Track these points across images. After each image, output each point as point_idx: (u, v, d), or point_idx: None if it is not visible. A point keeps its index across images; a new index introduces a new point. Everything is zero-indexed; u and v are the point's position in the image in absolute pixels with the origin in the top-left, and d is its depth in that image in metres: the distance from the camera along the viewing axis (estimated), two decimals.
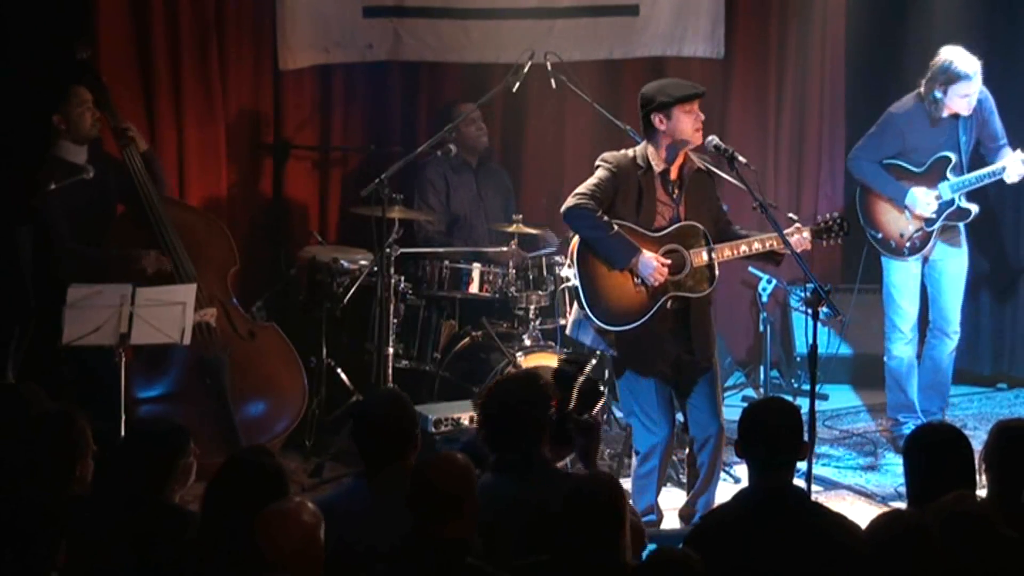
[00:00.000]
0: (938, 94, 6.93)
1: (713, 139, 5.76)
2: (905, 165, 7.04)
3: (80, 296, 5.72)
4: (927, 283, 7.20)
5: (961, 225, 7.11)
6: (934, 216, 7.00)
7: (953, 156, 6.98)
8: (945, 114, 6.97)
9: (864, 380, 8.17)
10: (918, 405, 7.23)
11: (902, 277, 7.14)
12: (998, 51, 7.91)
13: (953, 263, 7.15)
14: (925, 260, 7.13)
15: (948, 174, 6.98)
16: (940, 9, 8.18)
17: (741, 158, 5.71)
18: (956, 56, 6.90)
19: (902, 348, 7.20)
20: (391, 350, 6.88)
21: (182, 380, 6.54)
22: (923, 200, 6.97)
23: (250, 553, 3.71)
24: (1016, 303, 8.32)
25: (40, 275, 6.43)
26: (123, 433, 5.50)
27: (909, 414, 7.19)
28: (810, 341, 5.46)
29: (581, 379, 4.78)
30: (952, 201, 6.99)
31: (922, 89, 7.02)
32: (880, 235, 7.12)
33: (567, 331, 6.09)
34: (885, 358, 7.27)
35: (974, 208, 7.03)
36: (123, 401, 5.78)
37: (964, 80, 6.87)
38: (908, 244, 7.06)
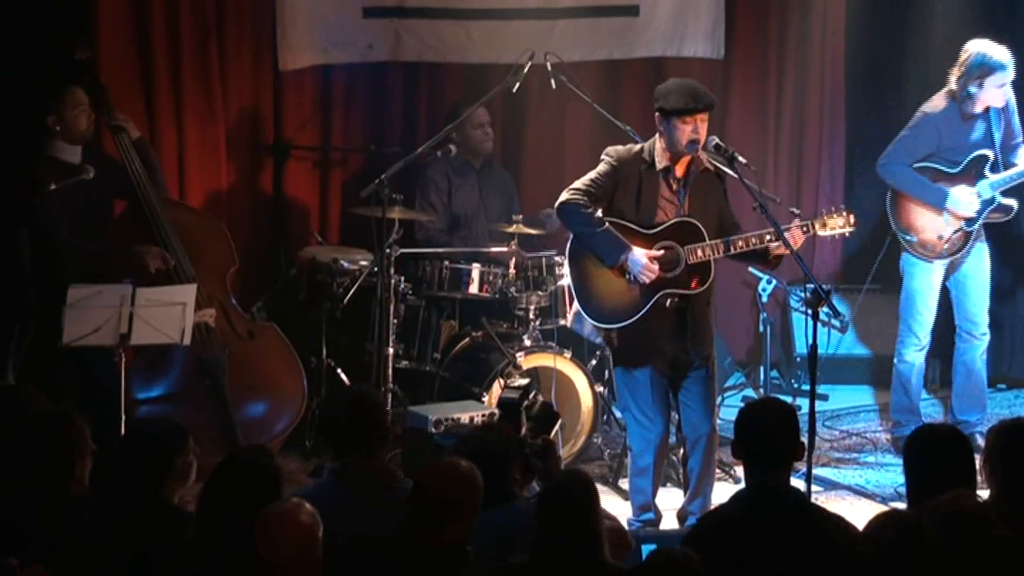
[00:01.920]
0: (973, 89, 6.83)
1: (713, 139, 5.75)
2: (940, 167, 6.94)
3: (80, 296, 5.72)
4: (951, 287, 7.11)
5: (979, 226, 7.04)
6: (975, 215, 6.93)
7: (989, 154, 6.89)
8: (978, 109, 6.87)
9: (862, 380, 8.18)
10: (957, 412, 7.19)
11: (925, 282, 7.04)
12: None
13: (976, 264, 7.06)
14: (952, 265, 7.05)
15: (987, 172, 6.90)
16: (940, 9, 8.17)
17: (741, 158, 5.71)
18: (988, 48, 6.82)
19: (914, 354, 7.14)
20: (391, 350, 6.89)
21: (182, 381, 6.54)
22: (965, 200, 6.88)
23: (247, 553, 3.71)
24: (1016, 303, 8.31)
25: (40, 275, 6.43)
26: (122, 433, 5.49)
27: (910, 416, 7.16)
28: (812, 342, 5.45)
29: (528, 405, 4.84)
30: (992, 199, 6.90)
31: (954, 86, 6.90)
32: (916, 239, 6.99)
33: (568, 323, 6.12)
34: (895, 360, 7.22)
35: (1014, 203, 6.94)
36: (123, 401, 5.78)
37: (1000, 71, 6.78)
38: (947, 245, 6.95)
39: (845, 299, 8.09)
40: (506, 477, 4.44)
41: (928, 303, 7.08)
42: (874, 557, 3.67)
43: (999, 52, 6.82)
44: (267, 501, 3.81)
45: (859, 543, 3.81)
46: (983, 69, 6.81)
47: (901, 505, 5.08)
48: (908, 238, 7.03)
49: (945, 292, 7.15)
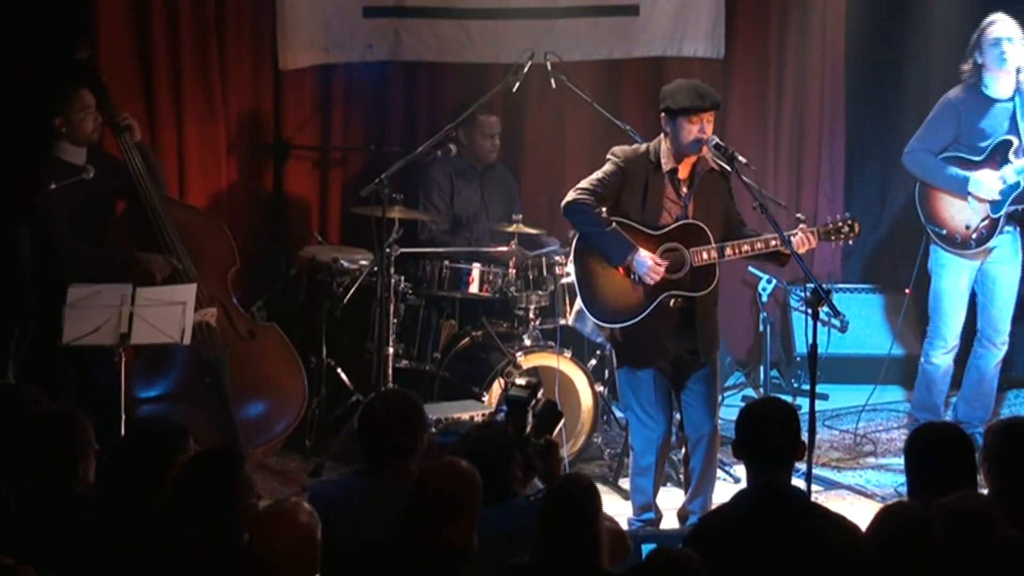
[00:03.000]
0: (978, 58, 6.82)
1: (713, 139, 5.74)
2: (963, 155, 6.92)
3: (80, 296, 5.72)
4: (978, 290, 7.08)
5: (1016, 233, 7.01)
6: (1000, 199, 6.87)
7: (1015, 139, 6.85)
8: (991, 86, 6.84)
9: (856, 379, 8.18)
10: (960, 414, 7.19)
11: (955, 282, 7.01)
12: None
13: (1007, 270, 7.03)
14: (983, 269, 7.01)
15: (1011, 157, 6.86)
16: (939, 9, 8.17)
17: (741, 158, 5.71)
18: (988, 17, 6.85)
19: (941, 356, 7.12)
20: (391, 350, 6.89)
21: (182, 380, 6.54)
22: (988, 183, 6.84)
23: (244, 551, 3.71)
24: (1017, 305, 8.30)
25: (40, 275, 6.42)
26: (123, 433, 5.49)
27: (931, 416, 7.08)
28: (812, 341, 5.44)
29: (535, 403, 4.84)
30: (1018, 184, 6.84)
31: (965, 65, 6.90)
32: (944, 231, 6.96)
33: (569, 321, 6.11)
34: (922, 359, 7.21)
35: None
36: (123, 401, 5.78)
37: (990, 27, 6.77)
38: (975, 236, 6.91)
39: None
40: (506, 475, 4.43)
41: (957, 303, 7.05)
42: (877, 551, 3.67)
43: (996, 14, 6.83)
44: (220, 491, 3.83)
45: (861, 543, 3.81)
46: (980, 32, 6.82)
47: None
48: (936, 230, 6.99)
49: (972, 295, 7.12)
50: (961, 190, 6.89)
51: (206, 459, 4.05)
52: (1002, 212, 6.90)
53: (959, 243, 6.97)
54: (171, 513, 3.95)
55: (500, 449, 4.46)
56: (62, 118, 6.40)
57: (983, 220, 6.92)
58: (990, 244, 6.95)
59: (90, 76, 6.52)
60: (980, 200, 6.88)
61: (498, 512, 4.22)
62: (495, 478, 4.30)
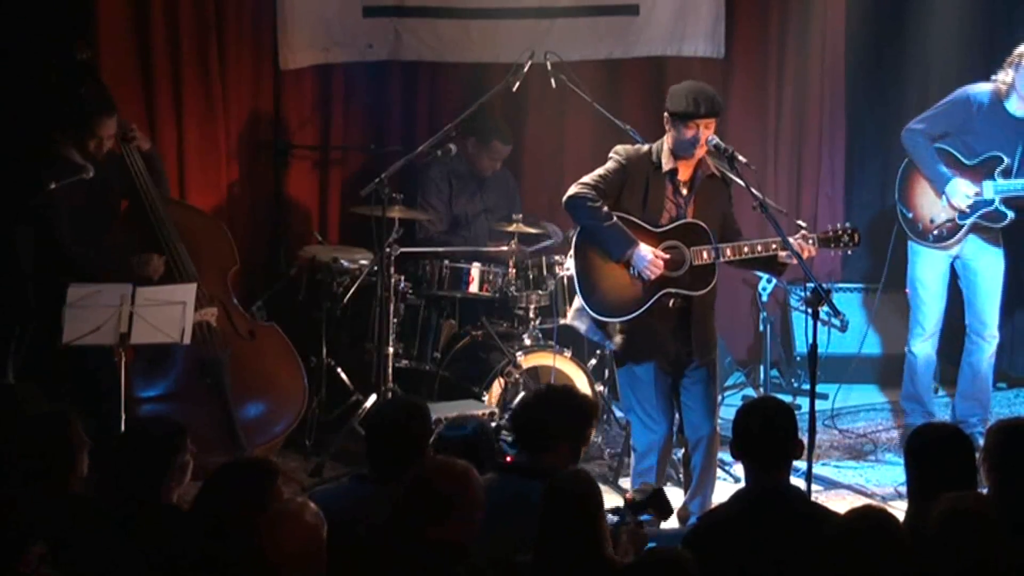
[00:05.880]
0: (1016, 79, 6.78)
1: (713, 139, 5.74)
2: (956, 154, 6.95)
3: (80, 296, 5.73)
4: (962, 285, 7.12)
5: (970, 223, 7.02)
6: (968, 211, 6.92)
7: (1006, 158, 6.89)
8: (1014, 106, 6.85)
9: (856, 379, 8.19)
10: (959, 412, 7.21)
11: (928, 273, 7.07)
12: (996, 51, 7.90)
13: (989, 264, 7.07)
14: (957, 258, 7.04)
15: (996, 175, 6.90)
16: (940, 9, 8.17)
17: (741, 158, 5.71)
18: None
19: (921, 345, 7.17)
20: (391, 350, 6.89)
21: (182, 380, 6.55)
22: (962, 192, 6.88)
23: (251, 552, 3.71)
24: (1016, 303, 8.31)
25: (41, 274, 6.43)
26: (123, 432, 5.50)
27: (916, 406, 7.20)
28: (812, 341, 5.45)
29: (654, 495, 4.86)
30: (991, 202, 6.90)
31: (1001, 76, 6.87)
32: (911, 215, 7.04)
33: (568, 319, 6.10)
34: (906, 349, 7.27)
35: (1010, 214, 6.93)
36: (123, 401, 5.78)
37: None
38: (935, 232, 6.98)
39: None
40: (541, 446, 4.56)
41: (932, 291, 7.09)
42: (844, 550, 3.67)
43: None
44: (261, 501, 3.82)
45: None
46: (1021, 59, 6.79)
47: (902, 504, 5.08)
48: (905, 212, 7.07)
49: (959, 292, 7.15)
50: (940, 187, 6.95)
51: (240, 470, 4.04)
52: (967, 223, 6.95)
53: (919, 231, 7.04)
54: (198, 519, 3.95)
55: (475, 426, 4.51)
56: (69, 140, 6.36)
57: (947, 220, 6.98)
58: (948, 246, 6.99)
59: (90, 77, 6.52)
60: (950, 206, 6.92)
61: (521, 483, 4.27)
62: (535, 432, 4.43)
